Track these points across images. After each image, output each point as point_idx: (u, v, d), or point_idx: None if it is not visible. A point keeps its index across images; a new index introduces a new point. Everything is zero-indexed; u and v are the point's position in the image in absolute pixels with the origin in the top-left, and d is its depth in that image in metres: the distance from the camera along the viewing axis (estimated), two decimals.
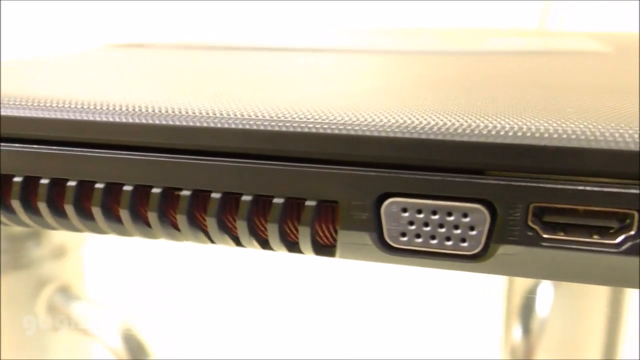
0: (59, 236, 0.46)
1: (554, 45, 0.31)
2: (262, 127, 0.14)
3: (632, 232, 0.13)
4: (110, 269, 0.50)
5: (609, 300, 0.52)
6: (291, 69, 0.24)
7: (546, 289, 0.50)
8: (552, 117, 0.13)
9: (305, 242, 0.15)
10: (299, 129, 0.14)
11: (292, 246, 0.16)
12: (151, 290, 0.50)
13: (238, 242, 0.16)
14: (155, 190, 0.15)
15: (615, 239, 0.13)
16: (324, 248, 0.16)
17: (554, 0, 0.59)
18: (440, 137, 0.13)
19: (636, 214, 0.12)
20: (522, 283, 0.52)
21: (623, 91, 0.17)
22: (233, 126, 0.14)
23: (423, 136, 0.13)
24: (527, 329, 0.50)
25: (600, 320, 0.53)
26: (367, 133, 0.13)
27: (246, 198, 0.14)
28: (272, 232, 0.15)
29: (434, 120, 0.13)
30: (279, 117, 0.14)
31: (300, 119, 0.14)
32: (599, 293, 0.51)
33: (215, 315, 0.48)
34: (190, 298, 0.49)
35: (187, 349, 0.48)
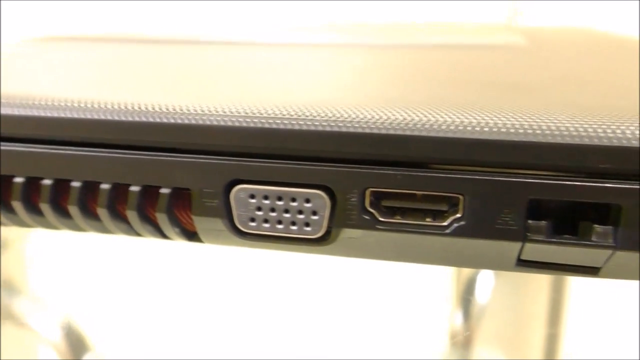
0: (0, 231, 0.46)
1: (471, 40, 0.32)
2: (115, 118, 0.14)
3: (459, 215, 0.13)
4: (52, 263, 0.50)
5: (552, 285, 0.54)
6: (176, 62, 0.24)
7: (487, 275, 0.51)
8: (393, 106, 0.14)
9: (168, 229, 0.15)
10: (151, 119, 0.14)
11: (161, 233, 0.16)
12: (93, 284, 0.49)
13: (105, 230, 0.16)
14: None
15: (444, 221, 0.14)
16: (194, 235, 0.16)
17: None
18: (281, 126, 0.14)
19: (461, 198, 0.13)
20: (467, 269, 0.53)
21: (495, 83, 0.18)
22: (89, 116, 0.14)
23: (266, 125, 0.14)
24: (467, 315, 0.51)
25: (542, 305, 0.54)
26: (215, 122, 0.14)
27: (105, 187, 0.15)
28: (133, 219, 0.15)
29: (279, 110, 0.14)
30: (133, 108, 0.14)
31: (153, 109, 0.14)
32: (541, 278, 0.53)
33: (156, 309, 0.49)
34: (132, 293, 0.49)
35: (127, 343, 0.48)
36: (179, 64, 0.23)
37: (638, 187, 0.12)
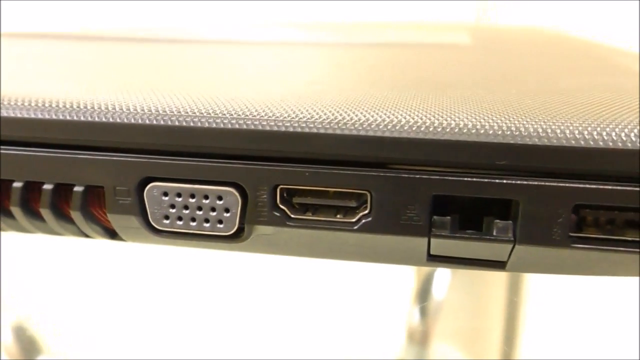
0: None
1: (414, 38, 0.32)
2: (25, 115, 0.14)
3: (366, 211, 0.14)
4: (3, 265, 0.49)
5: (508, 284, 0.55)
6: (96, 59, 0.24)
7: (444, 273, 0.52)
8: (303, 104, 0.14)
9: (85, 227, 0.15)
10: (61, 117, 0.14)
11: (81, 231, 0.16)
12: (45, 285, 0.49)
13: (21, 228, 0.16)
14: None
15: (354, 217, 0.14)
16: (116, 234, 0.16)
17: None
18: (191, 124, 0.14)
19: (368, 195, 0.13)
20: (424, 268, 0.54)
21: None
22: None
23: (176, 123, 0.14)
24: (423, 313, 0.52)
25: (500, 301, 0.55)
26: (126, 120, 0.14)
27: (17, 185, 0.15)
28: (48, 217, 0.15)
29: (189, 107, 0.14)
30: (44, 105, 0.14)
31: (64, 106, 0.14)
32: (498, 276, 0.54)
33: (109, 310, 0.48)
34: (84, 294, 0.48)
35: (80, 345, 0.47)
36: (99, 61, 0.23)
37: (535, 182, 0.13)
